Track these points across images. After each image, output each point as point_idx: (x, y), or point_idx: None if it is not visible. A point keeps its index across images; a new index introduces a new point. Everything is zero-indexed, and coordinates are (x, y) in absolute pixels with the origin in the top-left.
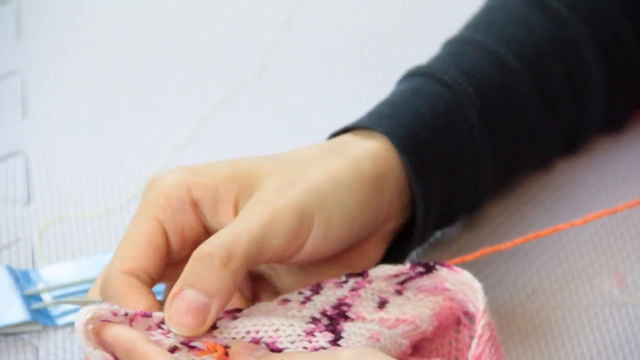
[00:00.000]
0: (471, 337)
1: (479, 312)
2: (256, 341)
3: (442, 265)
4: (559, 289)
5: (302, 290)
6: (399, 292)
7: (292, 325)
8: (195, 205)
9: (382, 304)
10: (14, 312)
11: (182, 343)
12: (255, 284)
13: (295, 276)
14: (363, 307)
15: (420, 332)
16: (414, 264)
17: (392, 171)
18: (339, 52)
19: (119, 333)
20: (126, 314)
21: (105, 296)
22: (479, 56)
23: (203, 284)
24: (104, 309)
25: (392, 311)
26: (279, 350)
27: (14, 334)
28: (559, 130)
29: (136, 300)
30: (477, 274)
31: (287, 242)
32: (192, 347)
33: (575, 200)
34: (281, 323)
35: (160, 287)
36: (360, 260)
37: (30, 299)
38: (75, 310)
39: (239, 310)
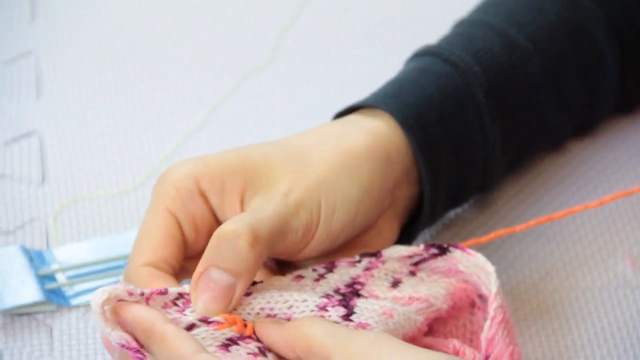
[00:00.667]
0: (485, 320)
1: (492, 295)
2: (271, 317)
3: (456, 247)
4: (573, 271)
5: (316, 267)
6: (412, 273)
7: (305, 300)
8: (204, 195)
9: (395, 284)
10: (28, 292)
11: (200, 320)
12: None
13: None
14: (376, 286)
15: (434, 310)
16: (428, 245)
17: (397, 151)
18: (352, 36)
19: (137, 313)
20: (142, 294)
21: None
22: (489, 37)
23: (228, 263)
24: (120, 288)
25: (406, 290)
26: None
27: (28, 314)
28: (570, 112)
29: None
30: (490, 256)
31: (300, 237)
32: (210, 322)
33: (589, 182)
34: (294, 299)
35: None
36: (376, 240)
37: (44, 279)
38: (89, 291)
39: (253, 283)
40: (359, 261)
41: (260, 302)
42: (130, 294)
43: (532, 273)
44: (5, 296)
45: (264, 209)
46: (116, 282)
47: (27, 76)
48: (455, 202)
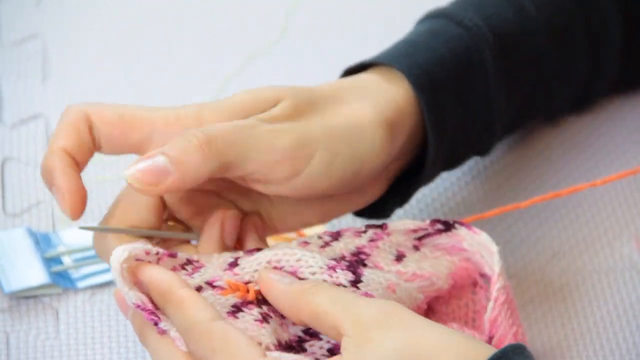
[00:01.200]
0: (488, 299)
1: (495, 275)
2: (277, 270)
3: (462, 224)
4: (579, 253)
5: (322, 235)
6: (416, 248)
7: (315, 257)
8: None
9: (399, 257)
10: (34, 274)
11: (207, 282)
12: (245, 222)
13: (291, 206)
14: (381, 257)
15: (435, 288)
16: (434, 221)
17: (408, 115)
18: (362, 14)
19: (155, 275)
20: (157, 253)
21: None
22: (501, 3)
23: (172, 151)
24: (138, 247)
25: (410, 265)
26: (301, 279)
27: (34, 297)
28: (573, 84)
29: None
30: (497, 237)
31: (272, 161)
32: (215, 287)
33: (594, 159)
34: (303, 254)
35: None
36: (359, 198)
37: (51, 261)
38: (96, 274)
39: (259, 249)
40: (365, 231)
41: (267, 254)
42: (147, 254)
43: (539, 255)
44: (11, 279)
45: (238, 122)
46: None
47: (33, 59)
48: (452, 164)
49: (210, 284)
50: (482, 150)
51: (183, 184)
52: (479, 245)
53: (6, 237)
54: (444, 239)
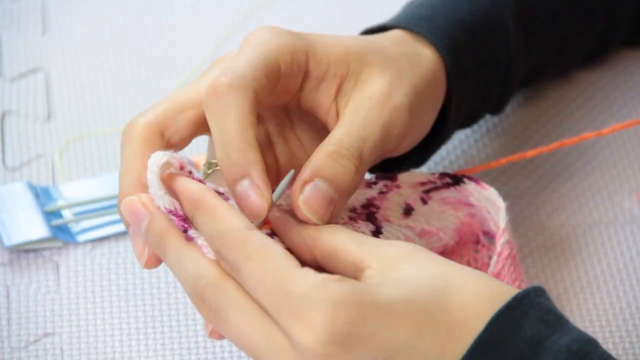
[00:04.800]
0: (490, 257)
1: (500, 230)
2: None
3: (470, 179)
4: (579, 207)
5: None
6: (423, 201)
7: None
8: (304, 73)
9: (407, 211)
10: (35, 228)
11: None
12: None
13: (306, 132)
14: (390, 211)
15: (441, 244)
16: (442, 174)
17: (440, 80)
18: None
19: (189, 185)
20: (191, 172)
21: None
22: None
23: (337, 181)
24: (176, 157)
25: (419, 220)
26: None
27: (34, 251)
28: (588, 40)
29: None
30: (498, 191)
31: (398, 142)
32: None
33: (601, 112)
34: None
35: None
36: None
37: (51, 215)
38: (95, 227)
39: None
40: (375, 183)
41: (287, 199)
42: (182, 168)
43: (539, 209)
44: (11, 232)
45: (368, 121)
46: (121, 220)
47: (33, 12)
48: (468, 123)
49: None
50: (497, 109)
51: (345, 203)
52: (486, 201)
53: (6, 191)
54: (451, 193)
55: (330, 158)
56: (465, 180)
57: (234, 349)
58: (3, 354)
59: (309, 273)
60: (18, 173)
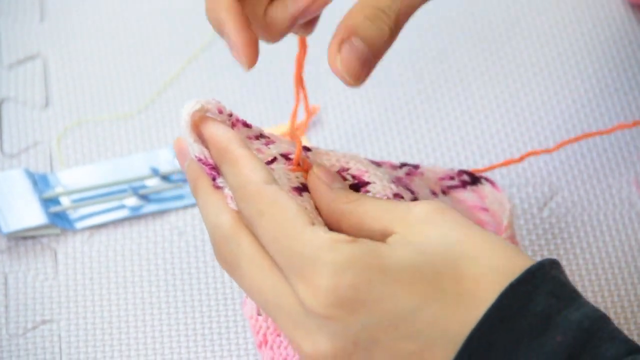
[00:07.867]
0: None
1: (502, 227)
2: (344, 170)
3: (487, 180)
4: (579, 196)
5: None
6: (444, 192)
7: (380, 170)
8: None
9: (432, 193)
10: (33, 215)
11: (281, 155)
12: None
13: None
14: (419, 188)
15: None
16: (461, 171)
17: None
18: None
19: (216, 131)
20: (231, 115)
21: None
22: None
23: (373, 40)
24: (212, 103)
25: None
26: (365, 183)
27: (32, 238)
28: None
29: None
30: (499, 180)
31: None
32: (289, 159)
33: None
34: (371, 167)
35: None
36: None
37: (49, 202)
38: (94, 214)
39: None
40: (401, 167)
41: (339, 156)
42: (220, 112)
43: (538, 199)
44: (9, 219)
45: None
46: (119, 207)
47: None
48: None
49: (285, 156)
50: None
51: (377, 63)
52: (499, 205)
53: (4, 178)
54: (468, 194)
55: (366, 18)
56: (483, 181)
57: (232, 335)
58: (1, 341)
59: (318, 232)
60: (16, 160)
